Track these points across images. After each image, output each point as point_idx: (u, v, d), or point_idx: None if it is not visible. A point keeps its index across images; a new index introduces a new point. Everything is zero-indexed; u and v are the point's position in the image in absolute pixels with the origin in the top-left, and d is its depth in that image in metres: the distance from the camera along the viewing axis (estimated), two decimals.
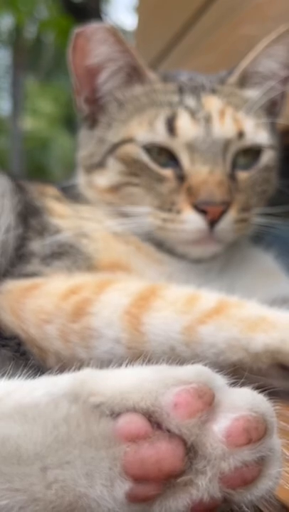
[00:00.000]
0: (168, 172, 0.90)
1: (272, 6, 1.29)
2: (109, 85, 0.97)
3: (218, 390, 0.35)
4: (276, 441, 0.36)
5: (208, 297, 0.72)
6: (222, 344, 0.67)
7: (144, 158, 0.91)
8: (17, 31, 11.92)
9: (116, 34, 0.93)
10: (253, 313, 0.68)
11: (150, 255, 0.90)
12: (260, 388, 0.38)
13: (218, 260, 0.95)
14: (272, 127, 1.00)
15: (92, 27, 0.93)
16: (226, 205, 0.86)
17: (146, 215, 0.91)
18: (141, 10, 2.53)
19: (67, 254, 0.86)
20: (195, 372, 0.35)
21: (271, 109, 1.01)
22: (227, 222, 0.87)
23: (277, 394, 0.65)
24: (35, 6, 6.36)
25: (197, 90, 0.94)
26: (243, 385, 0.38)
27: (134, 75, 0.96)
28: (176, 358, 0.68)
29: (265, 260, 1.03)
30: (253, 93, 0.97)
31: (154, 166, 0.91)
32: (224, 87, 0.96)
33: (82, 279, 0.81)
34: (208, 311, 0.69)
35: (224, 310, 0.69)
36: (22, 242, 0.89)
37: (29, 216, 0.93)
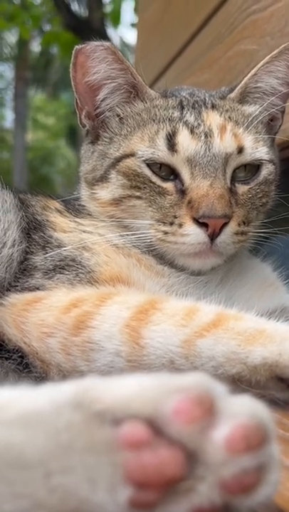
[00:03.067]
0: (169, 185, 0.91)
1: (270, 22, 1.31)
2: (109, 102, 0.98)
3: (219, 397, 0.36)
4: (275, 448, 0.36)
5: (207, 310, 0.73)
6: (220, 358, 0.67)
7: (147, 171, 0.92)
8: (20, 45, 12.07)
9: (115, 53, 0.94)
10: (251, 326, 0.68)
11: (150, 268, 0.91)
12: (260, 396, 0.39)
13: (218, 272, 0.95)
14: (272, 142, 1.01)
15: (91, 45, 0.94)
16: (226, 218, 0.87)
17: (147, 227, 0.92)
18: (140, 26, 2.57)
19: (69, 268, 0.86)
20: (195, 380, 0.36)
21: (271, 124, 1.02)
22: (227, 235, 0.88)
23: (276, 402, 0.66)
24: (40, 20, 6.40)
25: (198, 105, 0.95)
26: (242, 393, 0.39)
27: (133, 92, 0.98)
28: (175, 371, 0.68)
29: (264, 271, 1.03)
30: (253, 109, 0.98)
31: (156, 179, 0.92)
32: (225, 103, 0.98)
33: (83, 292, 0.81)
34: (206, 324, 0.69)
35: (222, 323, 0.69)
36: (25, 256, 0.90)
37: (32, 230, 0.94)
